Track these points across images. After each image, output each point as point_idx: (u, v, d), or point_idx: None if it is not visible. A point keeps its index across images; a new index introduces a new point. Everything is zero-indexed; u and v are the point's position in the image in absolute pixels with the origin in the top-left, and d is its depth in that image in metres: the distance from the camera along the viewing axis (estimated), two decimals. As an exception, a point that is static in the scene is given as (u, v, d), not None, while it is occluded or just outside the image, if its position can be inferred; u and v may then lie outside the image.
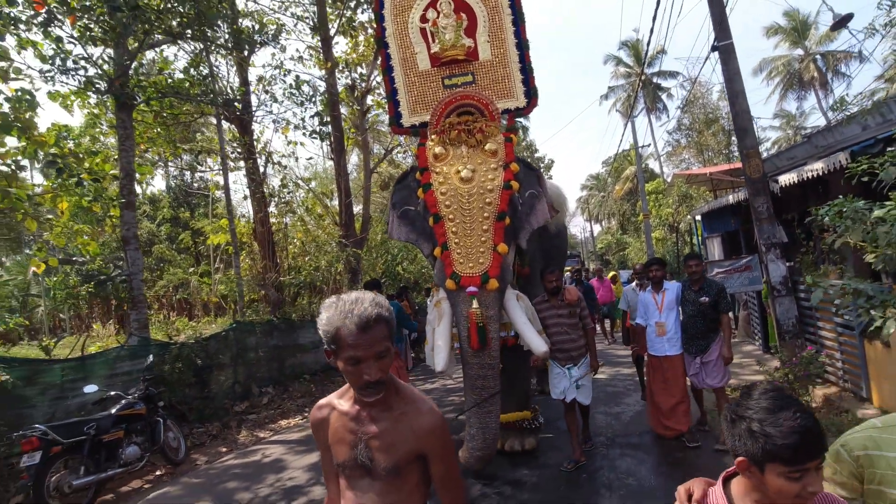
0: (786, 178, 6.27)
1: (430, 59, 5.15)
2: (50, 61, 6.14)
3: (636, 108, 27.06)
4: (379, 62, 6.61)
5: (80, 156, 7.83)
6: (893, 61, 9.72)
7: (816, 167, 5.51)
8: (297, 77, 10.74)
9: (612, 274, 13.51)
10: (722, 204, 9.40)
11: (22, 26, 6.24)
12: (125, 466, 5.14)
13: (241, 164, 12.54)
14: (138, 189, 9.57)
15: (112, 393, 5.61)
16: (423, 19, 5.19)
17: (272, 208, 13.74)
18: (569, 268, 19.09)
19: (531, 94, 5.14)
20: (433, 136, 4.72)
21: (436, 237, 4.32)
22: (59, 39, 5.98)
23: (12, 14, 5.59)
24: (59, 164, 6.14)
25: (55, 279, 14.82)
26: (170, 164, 23.69)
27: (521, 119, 33.45)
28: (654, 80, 32.81)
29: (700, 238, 12.71)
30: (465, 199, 4.26)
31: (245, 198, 13.11)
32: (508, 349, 4.54)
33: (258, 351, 8.40)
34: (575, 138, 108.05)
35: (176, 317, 18.08)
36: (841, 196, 3.21)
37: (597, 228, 50.45)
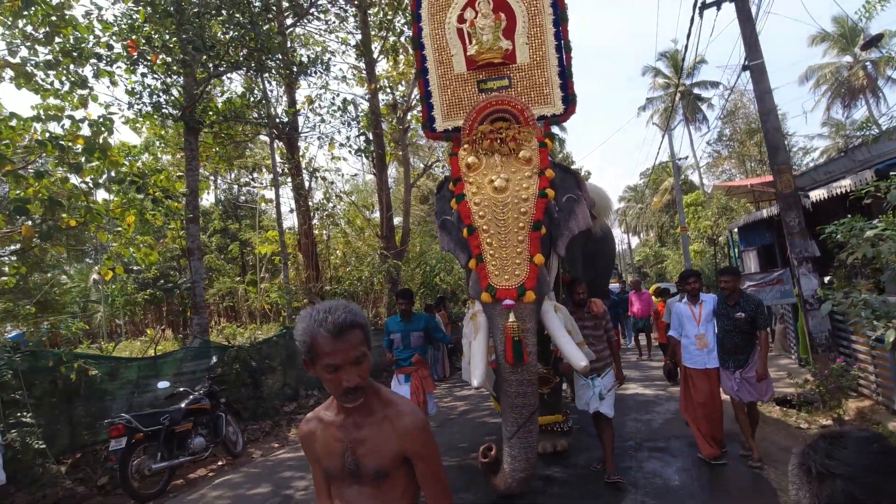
0: (817, 194, 6.41)
1: (465, 62, 4.98)
2: (136, 94, 6.96)
3: (674, 120, 26.85)
4: (415, 69, 6.64)
5: (147, 174, 8.67)
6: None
7: (844, 184, 5.66)
8: (345, 99, 11.45)
9: (654, 287, 12.93)
10: (757, 218, 9.47)
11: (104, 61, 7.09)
12: (193, 455, 5.73)
13: (289, 179, 13.36)
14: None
15: (181, 389, 6.23)
16: (461, 19, 5.00)
17: (315, 220, 14.51)
18: (614, 279, 19.00)
19: (569, 101, 4.94)
20: (466, 146, 4.54)
21: (470, 249, 4.23)
22: (144, 74, 6.80)
23: (111, 56, 6.43)
24: (137, 183, 6.86)
25: (113, 287, 15.94)
26: (219, 178, 25.15)
27: (556, 130, 33.67)
28: (694, 90, 32.48)
29: (737, 251, 12.67)
30: (499, 210, 4.14)
31: (291, 211, 13.87)
32: (557, 358, 4.53)
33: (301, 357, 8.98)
34: (613, 149, 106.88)
35: (225, 323, 19.08)
36: (859, 214, 3.43)
37: (634, 241, 49.79)
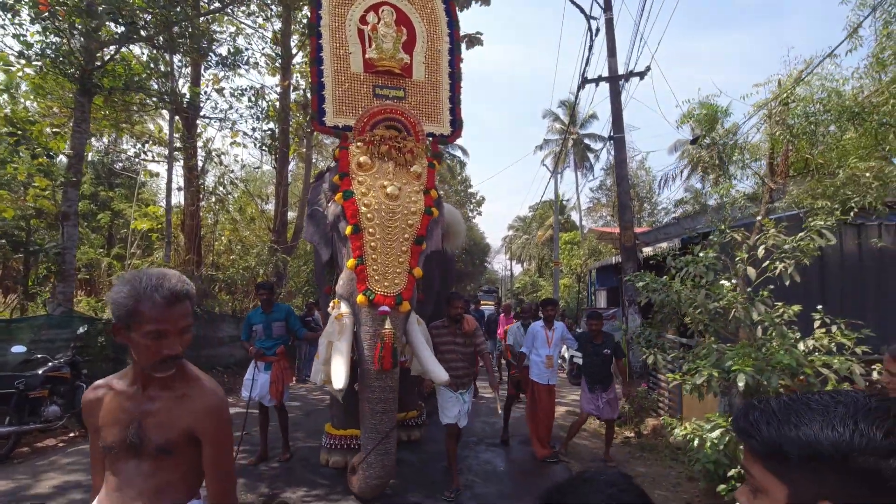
0: (647, 250, 7.91)
1: (363, 64, 4.95)
2: (30, 46, 6.62)
3: (562, 164, 29.52)
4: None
5: (22, 126, 8.10)
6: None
7: (662, 246, 7.15)
8: (256, 90, 11.45)
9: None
10: (608, 263, 11.15)
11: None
12: (45, 423, 5.59)
13: (181, 156, 12.88)
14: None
15: (39, 356, 6.04)
16: (363, 21, 4.99)
17: (204, 203, 14.10)
18: (491, 302, 20.48)
19: (456, 125, 5.19)
20: (359, 144, 4.50)
21: (349, 248, 4.19)
22: (46, 28, 6.50)
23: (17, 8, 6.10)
24: (15, 134, 6.53)
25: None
26: (97, 140, 22.99)
27: (458, 153, 35.11)
28: (585, 140, 35.94)
29: (594, 289, 14.56)
30: (388, 217, 4.14)
31: (179, 189, 13.35)
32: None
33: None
34: (509, 180, 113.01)
35: (82, 295, 17.50)
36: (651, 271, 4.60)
37: (517, 268, 53.06)
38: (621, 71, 8.51)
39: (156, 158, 12.85)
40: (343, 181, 4.33)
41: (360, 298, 4.03)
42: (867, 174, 4.44)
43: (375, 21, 5.01)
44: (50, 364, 5.87)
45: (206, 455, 1.44)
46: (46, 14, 6.18)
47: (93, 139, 22.60)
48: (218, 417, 1.45)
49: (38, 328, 6.76)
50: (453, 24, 5.35)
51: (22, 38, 6.51)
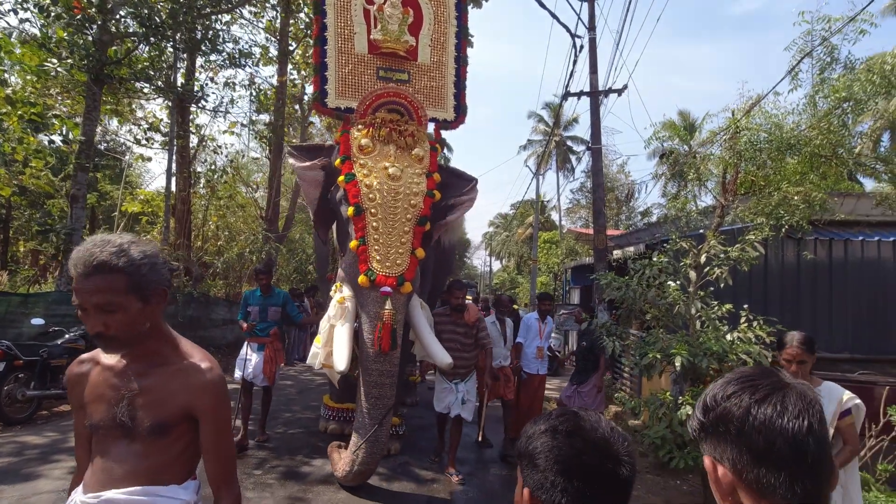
0: (617, 252, 8.70)
1: (368, 45, 4.85)
2: (49, 39, 7.06)
3: (545, 166, 30.34)
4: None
5: (44, 110, 8.45)
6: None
7: (630, 249, 7.93)
8: (251, 80, 11.89)
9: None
10: (583, 263, 11.95)
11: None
12: (63, 390, 6.11)
13: (174, 141, 13.22)
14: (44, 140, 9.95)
15: (54, 328, 6.54)
16: (370, 1, 4.89)
17: (200, 189, 14.49)
18: (470, 297, 21.13)
19: (460, 111, 5.09)
20: (360, 127, 4.44)
21: (352, 230, 4.14)
22: (68, 24, 6.94)
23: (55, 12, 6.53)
24: (38, 121, 6.97)
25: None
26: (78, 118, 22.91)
27: (444, 151, 35.73)
28: (568, 142, 36.84)
29: (568, 287, 15.41)
30: (391, 197, 4.08)
31: (173, 175, 13.70)
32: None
33: (177, 318, 9.37)
34: (493, 177, 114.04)
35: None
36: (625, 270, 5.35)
37: (497, 265, 53.94)
38: (602, 86, 9.27)
39: (152, 145, 13.16)
40: (344, 164, 4.29)
41: (361, 279, 3.98)
42: (795, 197, 5.27)
43: (382, 1, 4.89)
44: (67, 336, 6.38)
45: (205, 434, 1.35)
46: (79, 16, 6.63)
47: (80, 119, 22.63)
48: (217, 393, 1.36)
49: (50, 303, 7.23)
50: (461, 7, 5.24)
51: (43, 31, 6.93)
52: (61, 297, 7.53)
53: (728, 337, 4.07)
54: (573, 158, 37.59)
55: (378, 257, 4.01)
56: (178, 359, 1.38)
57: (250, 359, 5.19)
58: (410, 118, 4.63)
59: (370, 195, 4.07)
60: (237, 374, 5.25)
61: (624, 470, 0.80)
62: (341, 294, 4.17)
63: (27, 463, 4.37)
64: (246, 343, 5.32)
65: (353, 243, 4.10)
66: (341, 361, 3.75)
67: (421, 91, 4.93)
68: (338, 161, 4.39)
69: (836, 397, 2.49)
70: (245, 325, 5.25)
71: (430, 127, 5.15)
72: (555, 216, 38.19)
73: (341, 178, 4.25)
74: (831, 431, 2.43)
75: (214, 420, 1.35)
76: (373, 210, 4.06)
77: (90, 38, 7.49)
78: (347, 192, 4.15)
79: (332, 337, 4.03)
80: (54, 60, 7.58)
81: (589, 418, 0.85)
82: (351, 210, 4.10)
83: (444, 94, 5.04)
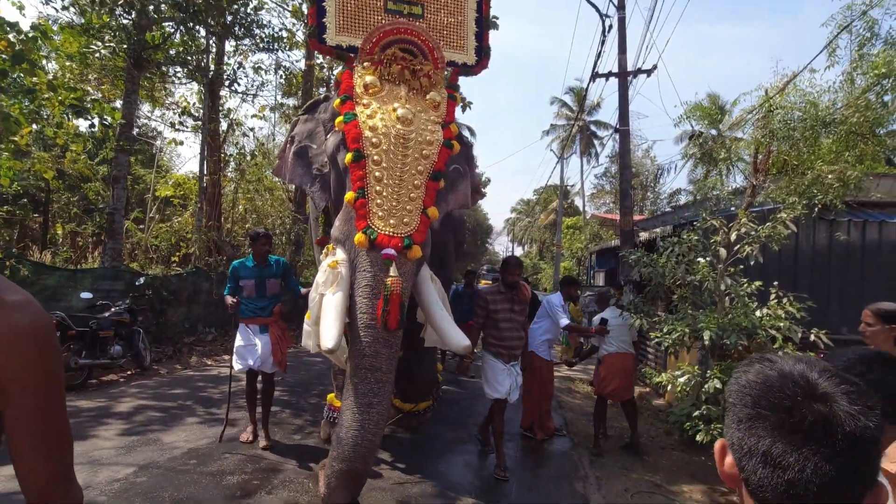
0: (644, 234, 8.69)
1: None
2: (93, 31, 7.38)
3: (568, 151, 30.06)
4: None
5: (86, 97, 8.75)
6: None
7: (657, 231, 7.92)
8: (278, 64, 12.08)
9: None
10: (607, 246, 11.94)
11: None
12: (111, 360, 6.47)
13: (206, 126, 13.57)
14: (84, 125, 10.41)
15: (100, 302, 6.89)
16: None
17: (228, 172, 14.86)
18: (488, 281, 21.19)
19: (482, 53, 4.24)
20: (366, 64, 3.70)
21: (349, 180, 3.38)
22: (112, 11, 7.22)
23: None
24: (78, 106, 7.27)
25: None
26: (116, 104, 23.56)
27: (465, 133, 35.70)
28: (591, 127, 36.39)
29: (593, 271, 15.40)
30: (400, 143, 3.33)
31: (204, 158, 14.07)
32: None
33: (212, 294, 9.72)
34: (514, 163, 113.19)
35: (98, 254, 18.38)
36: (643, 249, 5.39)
37: (518, 251, 53.92)
38: (630, 67, 9.18)
39: (185, 128, 13.52)
40: (345, 104, 3.54)
41: (358, 237, 3.19)
42: (829, 176, 5.21)
43: None
44: (113, 309, 6.72)
45: (17, 406, 0.82)
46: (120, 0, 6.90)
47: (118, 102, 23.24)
48: (40, 350, 0.83)
49: (97, 278, 7.60)
50: None
51: (87, 16, 7.22)
52: (107, 272, 7.90)
53: (757, 313, 4.10)
54: (597, 143, 37.37)
55: (380, 213, 3.23)
56: None
57: (254, 344, 4.38)
58: (424, 59, 3.82)
59: (374, 139, 3.32)
60: (237, 365, 4.42)
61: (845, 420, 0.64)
62: (333, 257, 3.34)
63: (83, 424, 4.68)
64: (242, 326, 4.42)
65: (349, 195, 3.32)
66: (329, 337, 2.99)
67: (437, 28, 4.09)
68: (336, 101, 3.64)
69: None
70: (230, 300, 4.31)
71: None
72: (578, 202, 37.99)
73: (340, 118, 3.49)
74: None
75: (35, 388, 0.83)
76: (376, 157, 3.30)
77: (130, 23, 7.75)
78: (346, 135, 3.39)
79: (320, 311, 3.23)
80: (98, 43, 7.85)
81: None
82: (349, 157, 3.33)
83: (464, 34, 4.20)
